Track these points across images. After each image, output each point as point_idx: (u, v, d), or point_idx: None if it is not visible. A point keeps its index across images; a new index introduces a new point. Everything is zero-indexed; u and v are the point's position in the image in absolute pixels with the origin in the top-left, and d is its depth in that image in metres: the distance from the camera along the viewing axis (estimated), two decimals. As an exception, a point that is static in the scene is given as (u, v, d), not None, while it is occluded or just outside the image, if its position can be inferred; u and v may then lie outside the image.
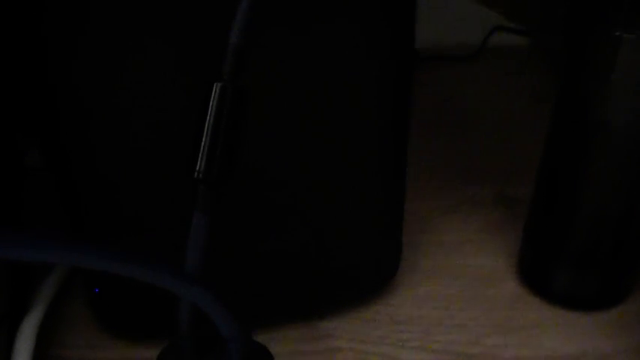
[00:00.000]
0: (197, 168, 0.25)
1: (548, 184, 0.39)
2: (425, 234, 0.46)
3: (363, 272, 0.39)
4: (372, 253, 0.39)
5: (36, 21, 0.28)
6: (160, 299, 0.31)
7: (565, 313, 0.40)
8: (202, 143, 0.25)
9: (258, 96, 0.28)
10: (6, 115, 0.37)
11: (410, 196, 0.40)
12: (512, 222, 0.47)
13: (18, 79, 0.33)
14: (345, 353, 0.38)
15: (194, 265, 0.27)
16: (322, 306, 0.40)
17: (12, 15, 0.29)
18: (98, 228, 0.34)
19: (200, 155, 0.25)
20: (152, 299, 0.34)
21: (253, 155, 0.32)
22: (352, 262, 0.38)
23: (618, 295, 0.41)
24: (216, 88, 0.25)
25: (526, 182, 0.46)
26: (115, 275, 0.22)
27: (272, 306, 0.39)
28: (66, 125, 0.31)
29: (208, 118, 0.25)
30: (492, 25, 0.63)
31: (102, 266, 0.22)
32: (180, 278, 0.25)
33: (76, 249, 0.20)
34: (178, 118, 0.30)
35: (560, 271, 0.40)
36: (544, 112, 0.57)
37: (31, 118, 0.34)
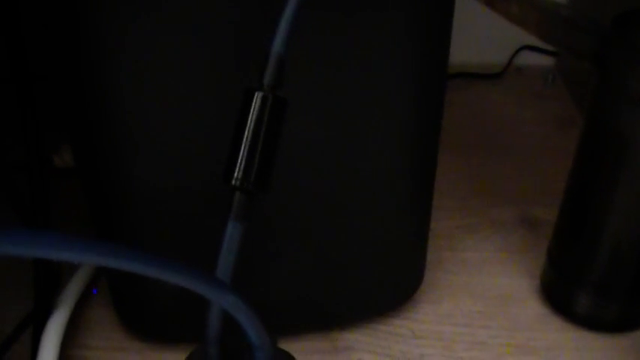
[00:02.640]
0: (235, 175, 0.25)
1: (574, 209, 0.39)
2: (447, 252, 0.46)
3: (387, 287, 0.39)
4: (396, 268, 0.39)
5: (75, 21, 0.28)
6: (185, 304, 0.31)
7: (587, 334, 0.40)
8: (241, 151, 0.25)
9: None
10: (31, 117, 0.37)
11: (433, 214, 0.39)
12: (533, 242, 0.47)
13: (50, 77, 0.34)
14: (366, 366, 0.38)
15: (227, 272, 0.27)
16: (345, 319, 0.40)
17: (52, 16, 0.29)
18: (124, 231, 0.34)
19: (238, 163, 0.25)
20: (177, 304, 0.34)
21: (278, 165, 0.32)
22: (377, 277, 0.38)
23: (641, 319, 0.40)
24: (257, 97, 0.25)
25: (547, 203, 0.46)
26: (145, 278, 0.22)
27: (294, 318, 0.39)
28: (97, 128, 0.31)
29: (248, 126, 0.25)
30: (520, 44, 0.64)
31: (137, 269, 0.21)
32: (215, 285, 0.25)
33: (112, 251, 0.20)
34: (211, 124, 0.30)
35: (583, 293, 0.40)
36: (567, 134, 0.57)
37: (63, 119, 0.34)
